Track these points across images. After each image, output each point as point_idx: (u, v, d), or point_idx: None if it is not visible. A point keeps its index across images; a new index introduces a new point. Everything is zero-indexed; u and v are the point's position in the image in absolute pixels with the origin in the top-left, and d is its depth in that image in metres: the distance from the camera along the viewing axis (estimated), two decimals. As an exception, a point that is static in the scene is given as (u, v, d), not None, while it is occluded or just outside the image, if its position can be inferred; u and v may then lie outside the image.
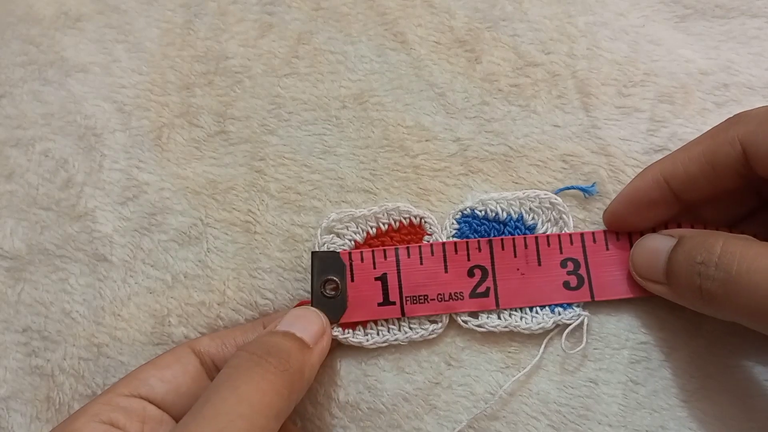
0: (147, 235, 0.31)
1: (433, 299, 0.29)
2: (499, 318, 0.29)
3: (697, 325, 0.28)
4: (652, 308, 0.29)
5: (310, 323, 0.27)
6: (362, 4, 0.34)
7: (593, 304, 0.29)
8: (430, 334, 0.29)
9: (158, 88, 0.33)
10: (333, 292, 0.29)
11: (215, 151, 0.32)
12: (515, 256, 0.29)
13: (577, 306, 0.29)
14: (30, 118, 0.33)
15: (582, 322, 0.28)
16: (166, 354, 0.28)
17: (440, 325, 0.29)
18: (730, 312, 0.24)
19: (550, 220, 0.30)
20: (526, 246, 0.29)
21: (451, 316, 0.29)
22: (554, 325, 0.29)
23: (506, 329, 0.29)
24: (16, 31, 0.35)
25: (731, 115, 0.27)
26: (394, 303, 0.29)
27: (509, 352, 0.29)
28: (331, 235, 0.30)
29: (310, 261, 0.29)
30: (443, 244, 0.29)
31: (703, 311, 0.25)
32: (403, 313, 0.29)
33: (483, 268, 0.29)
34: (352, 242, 0.30)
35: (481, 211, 0.30)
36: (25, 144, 0.33)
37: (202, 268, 0.31)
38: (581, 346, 0.28)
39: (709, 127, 0.30)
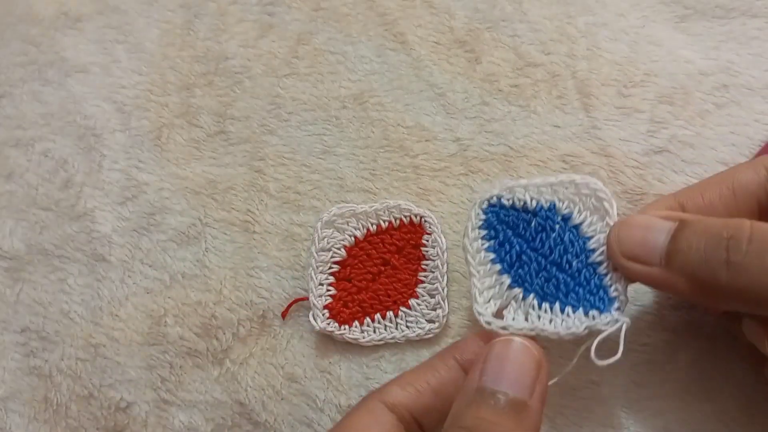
0: (146, 235, 0.31)
1: None
2: (526, 320, 0.25)
3: (699, 327, 0.28)
4: (655, 309, 0.29)
5: (520, 369, 0.23)
6: (362, 5, 0.34)
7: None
8: (426, 334, 0.29)
9: (158, 88, 0.34)
10: None
11: (215, 151, 0.32)
12: None
13: (616, 309, 0.25)
14: (30, 119, 0.34)
15: (620, 329, 0.24)
16: (359, 413, 0.25)
17: (437, 324, 0.29)
18: (741, 293, 0.22)
19: (588, 209, 0.26)
20: None
21: (475, 315, 0.26)
22: (586, 330, 0.24)
23: (532, 332, 0.25)
24: (16, 31, 0.35)
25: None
26: None
27: (510, 352, 0.29)
28: (332, 230, 0.30)
29: (308, 259, 0.29)
30: None
31: (695, 298, 0.24)
32: None
33: None
34: (352, 238, 0.30)
35: (508, 200, 0.27)
36: (24, 144, 0.33)
37: (200, 267, 0.31)
38: (615, 357, 0.23)
39: (709, 129, 0.30)
